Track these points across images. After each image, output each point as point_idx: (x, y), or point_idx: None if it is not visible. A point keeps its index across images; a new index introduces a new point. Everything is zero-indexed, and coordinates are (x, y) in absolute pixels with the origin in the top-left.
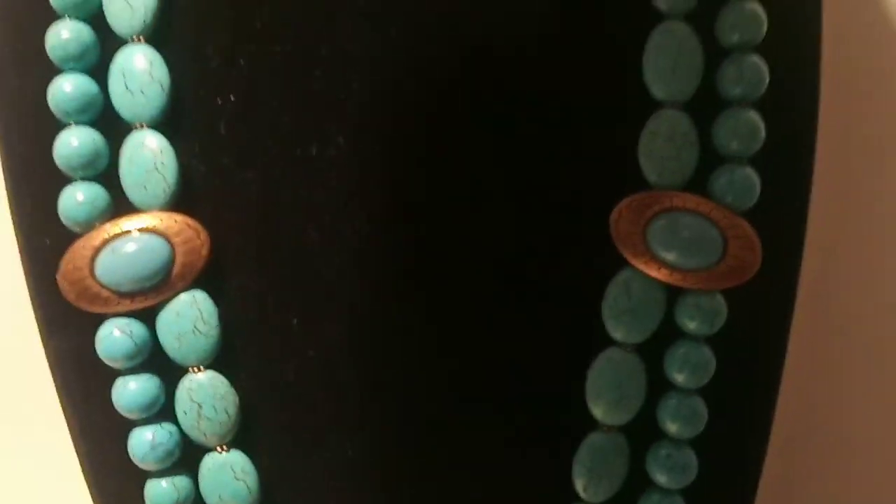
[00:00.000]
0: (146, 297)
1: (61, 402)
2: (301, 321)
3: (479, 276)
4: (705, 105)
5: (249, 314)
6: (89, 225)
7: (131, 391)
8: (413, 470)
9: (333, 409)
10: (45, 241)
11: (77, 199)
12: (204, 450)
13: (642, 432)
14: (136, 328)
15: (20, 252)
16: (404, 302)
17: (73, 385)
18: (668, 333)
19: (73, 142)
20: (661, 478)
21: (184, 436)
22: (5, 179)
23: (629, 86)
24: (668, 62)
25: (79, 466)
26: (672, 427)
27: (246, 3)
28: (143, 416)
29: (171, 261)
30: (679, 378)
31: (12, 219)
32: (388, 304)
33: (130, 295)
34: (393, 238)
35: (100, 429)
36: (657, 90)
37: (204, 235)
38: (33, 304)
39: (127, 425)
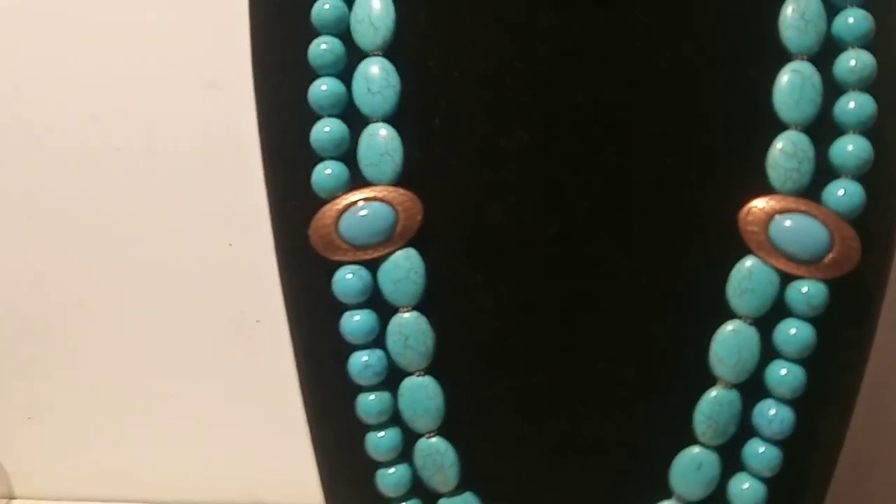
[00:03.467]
0: (374, 250)
1: (290, 331)
2: (483, 278)
3: (629, 257)
4: (823, 130)
5: (445, 270)
6: (334, 193)
7: (356, 322)
8: (563, 403)
9: (506, 349)
10: (292, 205)
11: (326, 173)
12: (404, 374)
13: (753, 390)
14: (364, 273)
15: (270, 214)
16: (564, 273)
17: (302, 317)
18: (779, 311)
19: (326, 129)
20: (765, 430)
21: (390, 361)
22: (263, 158)
23: (761, 110)
24: (794, 93)
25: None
26: (777, 389)
27: (461, 28)
28: (363, 342)
29: (395, 223)
30: (786, 350)
31: (266, 188)
32: (553, 271)
33: (363, 248)
34: (560, 217)
35: (321, 354)
36: (784, 114)
37: (419, 205)
38: (277, 253)
39: (343, 351)
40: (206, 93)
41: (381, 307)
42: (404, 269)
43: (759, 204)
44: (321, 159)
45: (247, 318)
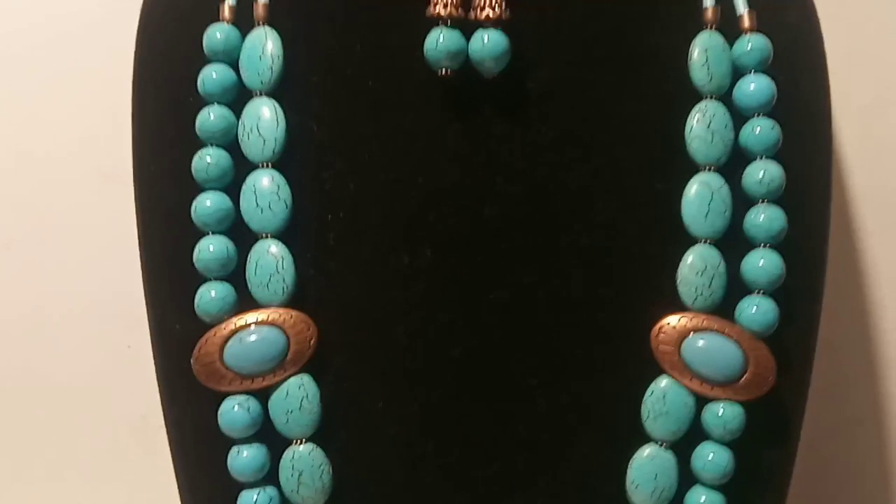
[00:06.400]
0: (263, 379)
1: (175, 465)
2: (385, 404)
3: (541, 378)
4: (733, 242)
5: (343, 396)
6: (219, 317)
7: (244, 458)
8: None
9: (411, 481)
10: (175, 327)
11: (211, 295)
12: None
13: None
14: (253, 404)
15: (151, 336)
16: (473, 397)
17: (187, 451)
18: (697, 434)
19: (211, 248)
20: None
21: (283, 499)
22: (142, 275)
23: (672, 223)
24: (702, 206)
25: None
26: None
27: (357, 137)
28: (252, 480)
29: (286, 349)
30: (704, 475)
31: (147, 308)
32: (461, 395)
33: (251, 377)
34: (468, 338)
35: (207, 491)
36: (693, 228)
37: (312, 328)
38: (158, 380)
39: (231, 489)
40: (103, 187)
41: (274, 439)
42: (297, 397)
43: (671, 322)
44: (205, 279)
45: (149, 425)
